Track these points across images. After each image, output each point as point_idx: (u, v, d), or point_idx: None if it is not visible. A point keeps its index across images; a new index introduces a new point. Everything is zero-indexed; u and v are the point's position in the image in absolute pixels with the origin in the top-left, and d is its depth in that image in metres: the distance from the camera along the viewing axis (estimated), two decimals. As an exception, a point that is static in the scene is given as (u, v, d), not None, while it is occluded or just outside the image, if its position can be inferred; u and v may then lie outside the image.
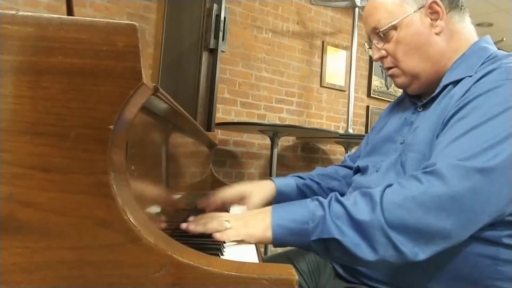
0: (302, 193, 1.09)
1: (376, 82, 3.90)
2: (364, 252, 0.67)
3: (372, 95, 3.86)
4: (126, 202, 0.45)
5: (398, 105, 1.05)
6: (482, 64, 0.83)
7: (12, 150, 0.44)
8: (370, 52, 0.99)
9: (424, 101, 0.91)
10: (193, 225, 0.74)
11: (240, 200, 1.02)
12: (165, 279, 0.44)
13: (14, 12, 0.45)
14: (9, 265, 0.43)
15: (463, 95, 0.78)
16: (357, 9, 3.13)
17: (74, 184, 0.44)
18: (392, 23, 0.88)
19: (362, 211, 0.68)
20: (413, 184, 0.69)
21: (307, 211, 0.70)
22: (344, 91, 3.55)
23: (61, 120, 0.44)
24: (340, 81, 3.59)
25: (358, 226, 0.67)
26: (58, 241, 0.44)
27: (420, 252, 0.66)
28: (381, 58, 0.94)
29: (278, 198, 1.06)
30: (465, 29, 0.91)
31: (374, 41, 0.94)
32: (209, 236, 0.81)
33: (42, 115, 0.44)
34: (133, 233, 0.44)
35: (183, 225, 0.75)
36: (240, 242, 0.73)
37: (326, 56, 3.51)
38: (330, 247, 0.69)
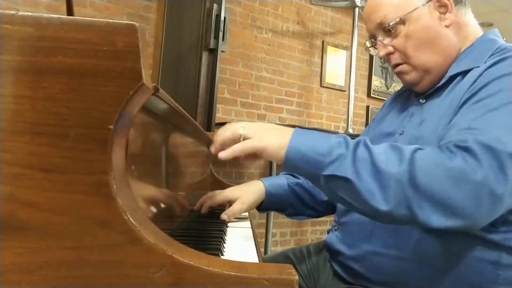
0: (294, 193, 1.07)
1: (376, 82, 3.90)
2: (377, 200, 0.65)
3: (372, 95, 3.86)
4: (126, 202, 0.45)
5: (399, 96, 1.03)
6: (491, 55, 0.81)
7: (12, 150, 0.44)
8: (372, 51, 0.97)
9: (428, 92, 0.89)
10: (213, 148, 0.74)
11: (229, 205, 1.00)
12: (165, 279, 0.44)
13: (14, 12, 0.45)
14: (9, 265, 0.43)
15: (474, 82, 0.76)
16: (357, 9, 3.13)
17: (74, 184, 0.44)
18: (401, 17, 0.86)
19: (389, 162, 0.65)
20: (446, 155, 0.66)
21: (328, 144, 0.68)
22: (344, 91, 3.55)
23: (61, 120, 0.44)
24: (340, 81, 3.60)
25: (379, 175, 0.65)
26: (58, 241, 0.44)
27: (434, 220, 0.64)
28: (388, 55, 0.91)
29: (268, 200, 1.04)
30: (470, 22, 0.90)
31: (380, 38, 0.90)
32: (209, 236, 0.81)
33: (42, 115, 0.44)
34: (133, 233, 0.44)
35: (215, 152, 0.75)
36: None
37: (326, 56, 3.51)
38: (338, 186, 0.67)
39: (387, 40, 0.89)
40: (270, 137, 0.70)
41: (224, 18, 2.22)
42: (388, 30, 0.88)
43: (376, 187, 0.64)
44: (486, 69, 0.77)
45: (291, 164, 0.69)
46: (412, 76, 0.89)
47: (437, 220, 0.64)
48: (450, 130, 0.73)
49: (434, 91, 0.87)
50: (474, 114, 0.71)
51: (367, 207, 0.66)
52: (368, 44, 0.97)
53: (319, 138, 0.70)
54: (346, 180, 0.65)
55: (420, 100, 0.89)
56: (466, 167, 0.63)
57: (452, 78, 0.84)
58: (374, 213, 0.67)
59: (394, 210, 0.64)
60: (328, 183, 0.68)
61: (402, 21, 0.86)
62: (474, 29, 0.90)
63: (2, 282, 0.43)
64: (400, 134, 0.88)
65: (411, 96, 0.96)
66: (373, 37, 0.94)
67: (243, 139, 0.71)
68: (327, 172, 0.67)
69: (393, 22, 0.86)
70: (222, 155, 0.70)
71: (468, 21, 0.90)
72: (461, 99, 0.76)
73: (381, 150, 0.67)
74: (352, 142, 0.69)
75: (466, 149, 0.65)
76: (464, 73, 0.82)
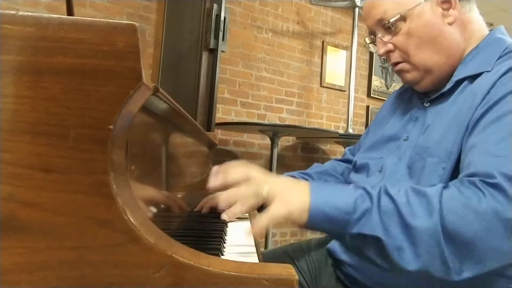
0: None
1: (376, 82, 3.90)
2: (406, 258, 0.60)
3: (372, 95, 3.86)
4: (126, 202, 0.45)
5: (401, 97, 0.99)
6: (499, 58, 0.78)
7: (12, 150, 0.44)
8: (371, 48, 0.93)
9: (432, 96, 0.85)
10: (214, 182, 0.70)
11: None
12: (165, 279, 0.44)
13: (14, 12, 0.45)
14: (9, 265, 0.43)
15: (487, 93, 0.73)
16: (357, 9, 3.13)
17: (74, 184, 0.44)
18: (401, 14, 0.82)
19: (417, 214, 0.60)
20: (474, 193, 0.61)
21: (351, 199, 0.63)
22: (344, 91, 3.55)
23: (61, 120, 0.44)
24: (340, 81, 3.60)
25: (409, 230, 0.60)
26: (58, 241, 0.44)
27: (465, 270, 0.59)
28: (388, 53, 0.87)
29: None
30: (476, 19, 0.86)
31: (379, 35, 0.86)
32: (209, 236, 0.81)
33: (42, 115, 0.44)
34: (133, 233, 0.44)
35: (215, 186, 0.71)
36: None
37: (326, 56, 3.51)
38: (366, 245, 0.63)
39: (387, 38, 0.86)
40: (291, 200, 0.65)
41: (224, 18, 2.22)
42: (388, 27, 0.84)
43: (407, 244, 0.60)
44: (499, 78, 0.73)
45: (314, 225, 0.65)
46: (412, 75, 0.86)
47: (468, 270, 0.59)
48: (470, 152, 0.69)
49: (440, 95, 0.83)
50: (494, 136, 0.67)
51: (395, 266, 0.61)
52: (367, 40, 0.94)
53: (340, 193, 0.66)
54: (375, 238, 0.61)
55: (424, 104, 0.86)
56: (497, 206, 0.59)
57: (459, 82, 0.81)
58: (401, 273, 0.62)
59: (428, 265, 0.60)
60: (354, 241, 0.64)
61: (403, 18, 0.83)
62: (479, 27, 0.86)
63: (2, 282, 0.43)
64: (405, 140, 0.85)
65: (413, 97, 0.93)
66: (372, 34, 0.90)
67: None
68: (354, 230, 0.62)
69: (394, 19, 0.83)
70: (256, 231, 0.65)
71: (472, 18, 0.86)
72: (475, 111, 0.72)
73: (404, 199, 0.62)
74: (374, 192, 0.64)
75: (495, 186, 0.61)
76: (472, 77, 0.79)
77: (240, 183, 0.69)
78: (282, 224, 0.65)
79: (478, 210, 0.59)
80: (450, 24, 0.83)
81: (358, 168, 0.96)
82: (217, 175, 0.71)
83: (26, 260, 0.43)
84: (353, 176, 0.97)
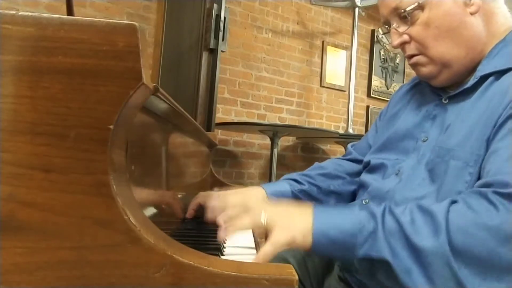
0: (298, 201, 0.95)
1: (376, 82, 3.90)
2: (417, 281, 0.56)
3: (372, 95, 3.87)
4: (126, 202, 0.45)
5: (412, 91, 0.93)
6: None
7: (12, 150, 0.44)
8: (385, 39, 0.87)
9: (452, 92, 0.79)
10: (222, 232, 0.64)
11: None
12: (165, 279, 0.44)
13: (14, 12, 0.45)
14: (9, 265, 0.43)
15: None
16: (357, 9, 3.14)
17: (74, 184, 0.44)
18: (419, 2, 0.75)
19: (422, 234, 0.57)
20: (484, 207, 0.57)
21: (356, 221, 0.60)
22: (344, 91, 3.55)
23: (61, 120, 0.44)
24: (340, 81, 3.60)
25: (415, 251, 0.57)
26: (58, 241, 0.44)
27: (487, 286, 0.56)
28: (403, 44, 0.80)
29: None
30: (500, 10, 0.79)
31: (394, 25, 0.79)
32: (209, 236, 0.81)
33: (42, 115, 0.44)
34: (133, 233, 0.44)
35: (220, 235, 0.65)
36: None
37: (326, 56, 3.51)
38: (375, 268, 0.60)
39: (402, 28, 0.79)
40: (293, 224, 0.61)
41: (224, 18, 2.22)
42: (404, 16, 0.78)
43: (415, 266, 0.57)
44: None
45: (320, 249, 0.61)
46: (429, 69, 0.80)
47: (492, 285, 0.56)
48: (491, 158, 0.65)
49: (461, 92, 0.77)
50: None
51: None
52: (381, 31, 0.87)
53: (344, 215, 0.62)
54: (383, 261, 0.58)
55: (443, 100, 0.80)
56: (510, 219, 0.55)
57: (483, 78, 0.75)
58: None
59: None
60: (363, 264, 0.61)
61: (421, 7, 0.76)
62: (505, 19, 0.79)
63: (2, 282, 0.43)
64: (424, 141, 0.80)
65: (427, 91, 0.86)
66: (386, 24, 0.83)
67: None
68: (360, 253, 0.59)
69: (410, 8, 0.76)
70: (259, 260, 0.58)
71: (497, 9, 0.79)
72: (504, 111, 0.67)
73: (408, 218, 0.59)
74: (378, 213, 0.61)
75: (509, 197, 0.57)
76: (499, 73, 0.73)
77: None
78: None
79: (491, 226, 0.56)
80: (472, 14, 0.76)
81: (372, 168, 0.91)
82: (214, 208, 0.67)
83: (26, 260, 0.43)
84: (366, 176, 0.92)
